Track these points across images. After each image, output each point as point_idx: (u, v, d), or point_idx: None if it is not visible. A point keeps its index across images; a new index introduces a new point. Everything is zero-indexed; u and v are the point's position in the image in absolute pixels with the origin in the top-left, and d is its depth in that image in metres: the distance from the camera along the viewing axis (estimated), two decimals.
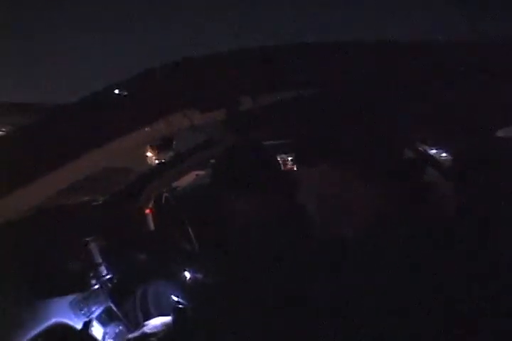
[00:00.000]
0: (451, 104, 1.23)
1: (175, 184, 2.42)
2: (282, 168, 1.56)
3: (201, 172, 2.71)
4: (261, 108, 1.01)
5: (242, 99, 0.97)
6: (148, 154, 2.26)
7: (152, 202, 2.23)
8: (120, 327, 1.80)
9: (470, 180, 1.18)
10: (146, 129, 0.93)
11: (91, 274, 1.74)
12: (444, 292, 0.91)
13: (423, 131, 1.36)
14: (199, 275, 2.11)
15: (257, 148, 1.34)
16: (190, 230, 2.23)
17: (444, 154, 1.52)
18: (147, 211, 2.21)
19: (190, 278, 2.12)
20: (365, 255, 0.98)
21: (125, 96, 0.98)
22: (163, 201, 2.22)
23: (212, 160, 2.23)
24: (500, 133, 1.41)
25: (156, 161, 2.34)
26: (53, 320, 1.49)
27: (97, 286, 1.75)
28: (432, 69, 1.04)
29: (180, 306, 1.69)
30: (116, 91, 1.00)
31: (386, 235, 0.98)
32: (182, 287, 2.02)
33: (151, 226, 2.23)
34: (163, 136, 0.98)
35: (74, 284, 1.63)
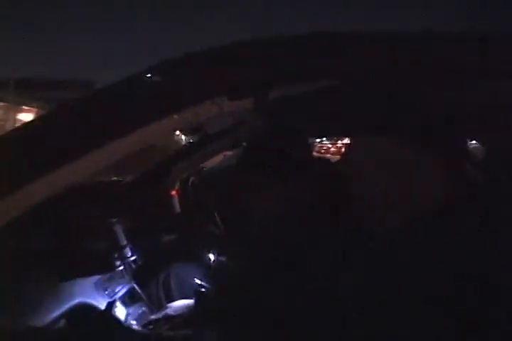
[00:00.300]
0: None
1: (202, 165, 2.38)
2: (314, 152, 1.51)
3: (229, 153, 2.66)
4: (294, 95, 0.95)
5: (272, 87, 0.91)
6: (177, 132, 2.23)
7: (178, 183, 2.20)
8: (143, 308, 1.81)
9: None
10: (175, 117, 0.89)
11: (115, 255, 1.74)
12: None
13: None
14: (223, 258, 2.10)
15: (287, 131, 1.29)
16: (215, 212, 2.21)
17: (473, 141, 1.45)
18: (173, 192, 2.18)
19: (214, 261, 2.11)
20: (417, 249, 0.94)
21: (155, 82, 0.94)
22: (189, 183, 2.20)
23: (244, 143, 2.17)
24: None
25: (184, 139, 2.31)
26: (77, 300, 1.51)
27: (121, 267, 1.76)
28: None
29: (202, 289, 1.69)
30: (148, 75, 0.96)
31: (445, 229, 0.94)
32: (205, 270, 2.01)
33: (177, 208, 2.21)
34: (191, 123, 0.93)
35: (98, 265, 1.64)
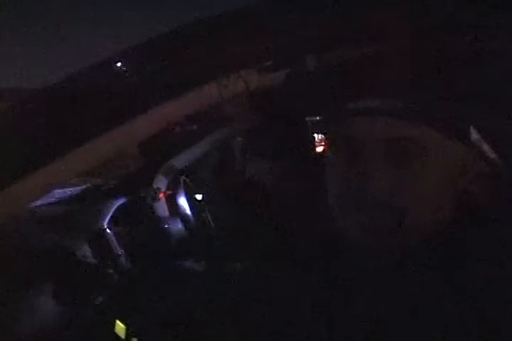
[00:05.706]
0: None
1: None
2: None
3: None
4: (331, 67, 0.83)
5: (307, 59, 0.79)
6: None
7: (167, 184, 2.03)
8: None
9: None
10: (194, 95, 0.76)
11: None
12: None
13: None
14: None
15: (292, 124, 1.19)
16: (207, 213, 2.08)
17: None
18: (161, 195, 2.01)
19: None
20: None
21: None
22: (180, 184, 2.03)
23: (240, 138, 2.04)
24: None
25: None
26: None
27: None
28: None
29: None
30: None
31: None
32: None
33: (166, 211, 2.04)
34: (214, 103, 0.80)
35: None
